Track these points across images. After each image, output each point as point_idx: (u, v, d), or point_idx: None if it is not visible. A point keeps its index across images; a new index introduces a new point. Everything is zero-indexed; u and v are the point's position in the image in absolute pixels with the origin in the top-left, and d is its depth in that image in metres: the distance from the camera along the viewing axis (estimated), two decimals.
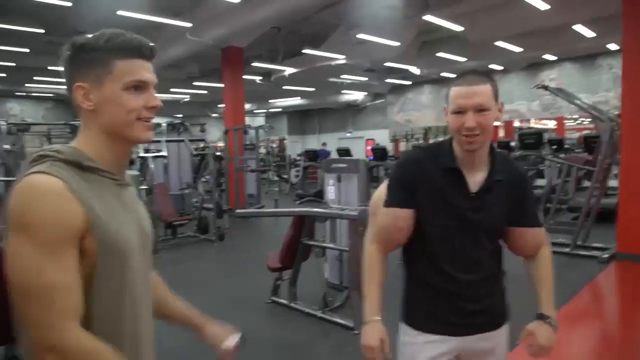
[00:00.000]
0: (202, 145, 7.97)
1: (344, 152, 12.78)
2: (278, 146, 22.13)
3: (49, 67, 11.93)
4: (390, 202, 1.41)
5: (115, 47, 0.94)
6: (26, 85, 15.03)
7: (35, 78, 13.86)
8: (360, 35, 9.47)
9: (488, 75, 1.31)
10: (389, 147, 16.38)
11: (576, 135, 18.69)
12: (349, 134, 20.67)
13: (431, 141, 21.08)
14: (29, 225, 0.83)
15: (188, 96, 18.13)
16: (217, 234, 7.29)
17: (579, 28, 9.53)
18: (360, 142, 19.56)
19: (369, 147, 18.01)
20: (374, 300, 1.39)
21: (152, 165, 6.90)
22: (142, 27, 8.89)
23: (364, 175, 4.49)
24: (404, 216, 1.38)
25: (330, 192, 4.67)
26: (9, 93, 16.37)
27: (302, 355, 3.38)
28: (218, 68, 11.44)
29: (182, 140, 7.91)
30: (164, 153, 7.01)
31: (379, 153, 11.18)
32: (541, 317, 1.40)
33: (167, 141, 7.80)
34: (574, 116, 20.31)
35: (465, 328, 1.42)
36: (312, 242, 4.08)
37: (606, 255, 5.15)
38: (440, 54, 11.55)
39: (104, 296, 0.93)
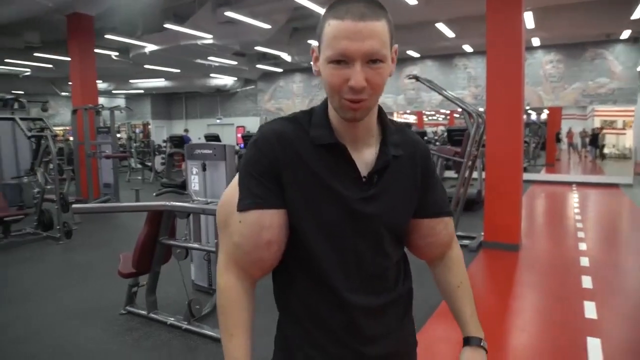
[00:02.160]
0: (39, 126, 6.64)
1: (213, 138, 12.04)
2: (142, 131, 20.33)
3: None
4: (246, 203, 0.89)
5: None
6: None
7: None
8: (229, 13, 8.84)
9: (381, 5, 0.84)
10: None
11: (432, 129, 20.38)
12: (218, 120, 19.75)
13: None
14: None
15: (29, 70, 15.58)
16: (62, 231, 6.18)
17: (441, 27, 10.07)
18: (230, 129, 18.83)
19: (240, 135, 17.46)
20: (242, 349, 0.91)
21: None
22: None
23: (232, 163, 4.00)
24: (270, 221, 0.88)
25: (194, 182, 4.10)
26: None
27: None
28: (64, 39, 9.87)
29: (12, 119, 6.53)
30: None
31: (248, 141, 10.72)
32: (471, 341, 1.06)
33: None
34: (431, 112, 22.12)
35: None
36: (171, 242, 3.47)
37: (475, 245, 5.37)
38: (311, 42, 11.39)
39: None
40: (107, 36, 10.46)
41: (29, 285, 4.56)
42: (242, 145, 16.40)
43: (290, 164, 0.89)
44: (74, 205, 3.15)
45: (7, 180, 7.42)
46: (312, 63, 0.91)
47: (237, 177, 0.94)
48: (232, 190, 0.94)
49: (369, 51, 0.81)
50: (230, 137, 17.75)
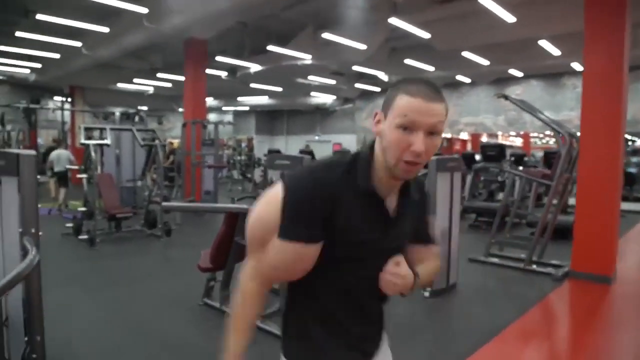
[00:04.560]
0: (152, 136, 7.49)
1: (307, 153, 12.52)
2: (247, 145, 21.71)
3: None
4: (293, 235, 1.02)
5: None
6: None
7: None
8: (327, 35, 9.26)
9: (440, 90, 1.03)
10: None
11: (542, 153, 19.08)
12: (317, 137, 20.45)
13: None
14: None
15: (152, 88, 17.52)
16: (163, 229, 6.90)
17: (544, 44, 9.60)
18: (327, 145, 19.38)
19: (334, 151, 17.88)
20: (237, 352, 1.10)
21: (93, 154, 6.43)
22: (96, 9, 8.45)
23: None
24: (309, 254, 1.04)
25: None
26: None
27: None
28: (182, 61, 11.04)
29: (130, 130, 7.44)
30: (107, 141, 6.55)
31: None
32: None
33: (113, 129, 7.31)
34: (539, 134, 20.79)
35: None
36: (245, 242, 3.76)
37: (560, 273, 5.03)
38: (409, 61, 11.46)
39: None
40: (217, 58, 11.49)
41: (131, 273, 5.22)
42: None
43: (337, 207, 1.02)
44: (163, 203, 3.58)
45: (124, 184, 8.41)
46: (373, 124, 1.07)
47: (274, 196, 1.04)
48: (268, 208, 1.04)
49: (432, 125, 0.99)
50: (325, 153, 18.26)
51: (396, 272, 1.10)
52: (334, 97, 18.61)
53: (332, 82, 14.73)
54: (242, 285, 1.12)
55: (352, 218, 1.05)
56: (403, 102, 0.99)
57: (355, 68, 13.11)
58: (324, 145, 19.53)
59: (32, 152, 2.86)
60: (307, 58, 11.09)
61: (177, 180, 10.41)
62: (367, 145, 1.11)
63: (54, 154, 9.68)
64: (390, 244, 1.13)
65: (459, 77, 14.14)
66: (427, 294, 4.42)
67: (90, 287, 4.68)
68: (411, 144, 0.98)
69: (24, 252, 2.58)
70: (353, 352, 1.18)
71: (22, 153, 2.75)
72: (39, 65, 13.71)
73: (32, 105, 12.74)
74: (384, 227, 1.10)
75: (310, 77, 14.21)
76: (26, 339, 2.67)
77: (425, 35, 8.90)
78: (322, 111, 19.90)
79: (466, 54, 10.66)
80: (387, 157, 1.02)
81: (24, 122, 14.36)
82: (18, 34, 9.73)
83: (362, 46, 9.80)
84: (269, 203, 1.05)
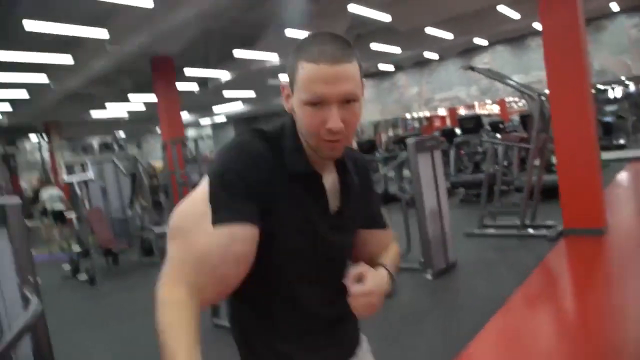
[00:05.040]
0: (133, 162, 7.46)
1: None
2: None
3: None
4: (222, 216, 0.84)
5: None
6: None
7: None
8: (290, 32, 9.26)
9: (349, 43, 0.87)
10: None
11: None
12: None
13: (382, 137, 21.08)
14: None
15: (126, 114, 17.37)
16: (160, 256, 6.89)
17: (503, 9, 9.70)
18: None
19: None
20: None
21: (78, 190, 6.40)
22: (55, 39, 8.34)
23: None
24: (244, 236, 0.84)
25: None
26: None
27: None
28: (150, 79, 10.97)
29: (112, 161, 7.41)
30: (90, 176, 6.52)
31: None
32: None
33: (93, 163, 7.28)
34: (514, 99, 21.02)
35: None
36: None
37: (554, 233, 5.13)
38: (374, 46, 11.49)
39: None
40: (186, 71, 11.43)
41: (135, 307, 5.17)
42: None
43: (267, 186, 0.89)
44: (154, 229, 3.58)
45: (114, 215, 8.36)
46: (283, 100, 0.93)
47: (200, 189, 0.89)
48: (193, 201, 0.89)
49: (345, 93, 0.84)
50: None
51: (363, 291, 0.92)
52: None
53: None
54: (162, 295, 0.86)
55: (288, 199, 0.91)
56: (305, 72, 0.85)
57: None
58: None
59: (17, 199, 2.86)
60: (274, 59, 11.08)
61: (166, 203, 10.37)
62: (290, 120, 0.96)
63: (45, 194, 9.61)
64: (340, 237, 0.99)
65: (427, 55, 14.22)
66: (429, 276, 4.50)
67: (96, 326, 4.67)
68: (325, 121, 0.85)
69: (25, 302, 2.59)
70: None
71: (7, 203, 2.74)
72: (9, 107, 13.52)
73: (7, 151, 12.59)
74: (326, 214, 0.97)
75: (282, 78, 14.20)
76: None
77: (386, 17, 8.94)
78: None
79: (429, 30, 10.72)
80: (306, 138, 0.91)
81: (2, 167, 14.21)
82: None
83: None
84: (192, 196, 0.90)
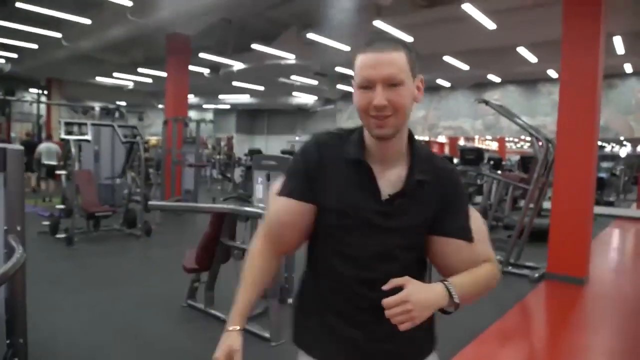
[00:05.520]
0: (133, 133, 7.39)
1: (289, 153, 12.52)
2: (226, 144, 21.57)
3: None
4: (281, 190, 1.12)
5: None
6: None
7: None
8: (311, 35, 9.30)
9: (402, 42, 1.03)
10: None
11: (517, 157, 19.57)
12: (297, 138, 20.46)
13: None
14: None
15: (131, 83, 17.26)
16: (143, 229, 6.83)
17: (522, 51, 9.84)
18: None
19: None
20: (239, 305, 1.10)
21: (73, 149, 6.33)
22: (80, 2, 8.31)
23: None
24: (291, 209, 1.09)
25: (258, 190, 4.40)
26: None
27: None
28: (164, 56, 10.92)
29: (111, 126, 7.35)
30: (87, 137, 6.45)
31: None
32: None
33: (93, 124, 7.20)
34: (514, 139, 21.25)
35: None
36: (230, 243, 3.78)
37: (537, 275, 5.17)
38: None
39: None
40: (201, 55, 11.40)
41: (112, 274, 5.13)
42: None
43: (323, 171, 1.08)
44: (150, 202, 3.57)
45: (102, 181, 8.27)
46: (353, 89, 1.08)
47: None
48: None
49: (388, 76, 0.98)
50: None
51: (395, 299, 0.95)
52: (316, 97, 18.66)
53: (315, 82, 14.78)
54: (251, 245, 1.17)
55: (337, 184, 1.07)
56: (357, 62, 1.02)
57: (338, 69, 13.18)
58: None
59: (20, 146, 2.81)
60: (290, 58, 11.11)
61: (156, 179, 10.30)
62: None
63: (42, 147, 9.49)
64: (388, 223, 1.06)
65: (439, 81, 14.36)
66: None
67: (70, 287, 4.60)
68: (372, 100, 0.99)
69: (8, 251, 2.54)
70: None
71: (9, 147, 2.70)
72: (15, 55, 13.37)
73: (7, 97, 12.45)
74: (375, 201, 1.05)
75: (293, 77, 14.23)
76: (8, 342, 2.62)
77: (408, 38, 9.02)
78: (303, 112, 19.94)
79: (447, 58, 10.83)
80: (361, 120, 1.06)
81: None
82: None
83: (346, 47, 9.88)
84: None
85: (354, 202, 1.06)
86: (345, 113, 18.21)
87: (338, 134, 1.14)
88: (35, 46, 11.67)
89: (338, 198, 1.07)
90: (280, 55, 10.88)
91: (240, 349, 1.07)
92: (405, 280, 0.98)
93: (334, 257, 1.10)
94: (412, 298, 0.95)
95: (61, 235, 6.33)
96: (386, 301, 0.95)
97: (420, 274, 1.14)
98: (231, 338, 1.07)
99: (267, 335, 3.39)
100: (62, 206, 6.53)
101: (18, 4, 8.25)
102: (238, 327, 1.09)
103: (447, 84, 14.79)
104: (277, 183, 1.16)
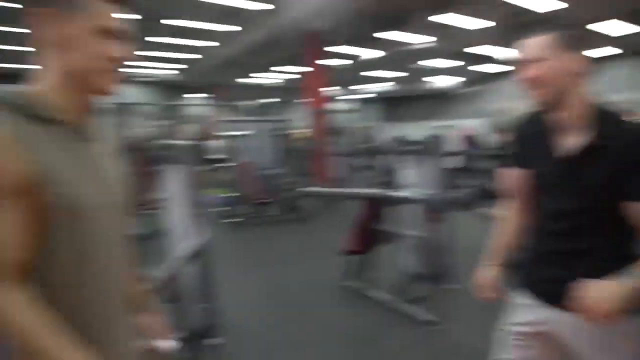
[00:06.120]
0: (287, 126, 7.98)
1: (433, 139, 12.25)
2: (371, 132, 21.90)
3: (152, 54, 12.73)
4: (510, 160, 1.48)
5: None
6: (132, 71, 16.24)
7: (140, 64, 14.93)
8: (448, 16, 8.90)
9: (553, 26, 1.26)
10: (487, 137, 15.50)
11: None
12: (439, 123, 19.81)
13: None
14: None
15: (278, 81, 18.45)
16: (300, 214, 7.35)
17: None
18: (450, 131, 18.63)
19: (462, 136, 17.24)
20: (496, 248, 1.51)
21: (237, 144, 7.05)
22: (222, 11, 9.12)
23: (440, 160, 4.20)
24: (510, 174, 1.46)
25: (406, 176, 4.41)
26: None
27: (369, 345, 3.20)
28: (300, 53, 11.45)
29: (268, 121, 8.01)
30: (248, 132, 7.14)
31: (473, 142, 10.62)
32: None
33: (252, 121, 7.93)
34: None
35: (552, 296, 1.32)
36: (384, 227, 3.87)
37: None
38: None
39: (64, 262, 0.84)
40: (335, 48, 11.69)
41: (273, 255, 5.66)
42: (464, 147, 16.13)
43: (526, 140, 1.42)
44: (302, 188, 3.84)
45: (262, 171, 9.03)
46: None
47: None
48: None
49: (528, 55, 1.28)
50: (451, 139, 17.55)
51: (588, 296, 1.11)
52: (459, 79, 17.89)
53: (457, 63, 14.16)
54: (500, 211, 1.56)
55: (532, 152, 1.37)
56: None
57: (479, 49, 12.43)
58: (448, 130, 18.81)
59: (197, 143, 3.27)
60: (428, 41, 10.82)
61: (309, 168, 10.91)
62: None
63: (213, 143, 10.79)
64: (566, 183, 1.28)
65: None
66: None
67: (239, 267, 5.17)
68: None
69: (197, 231, 2.96)
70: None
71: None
72: (185, 66, 15.27)
73: (177, 103, 14.31)
74: (553, 161, 1.29)
75: (432, 61, 13.83)
76: (203, 305, 3.04)
77: (560, 5, 8.19)
78: (444, 95, 19.26)
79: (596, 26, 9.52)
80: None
81: (174, 117, 16.19)
82: (163, 39, 10.94)
83: (490, 23, 9.28)
84: None
85: (539, 165, 1.36)
86: (493, 94, 17.13)
87: (528, 113, 1.45)
88: (199, 56, 13.20)
89: (531, 163, 1.38)
90: (416, 39, 10.65)
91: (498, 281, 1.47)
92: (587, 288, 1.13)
93: (539, 215, 1.40)
94: (596, 294, 1.11)
95: (230, 220, 7.12)
96: (585, 302, 1.12)
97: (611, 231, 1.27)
98: (488, 269, 1.49)
99: (428, 318, 3.42)
100: (231, 194, 7.33)
101: (180, 22, 9.42)
102: (493, 264, 1.50)
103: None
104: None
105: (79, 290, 0.86)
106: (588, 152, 1.21)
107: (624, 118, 1.25)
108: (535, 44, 1.24)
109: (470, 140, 14.49)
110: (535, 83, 1.25)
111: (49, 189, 0.81)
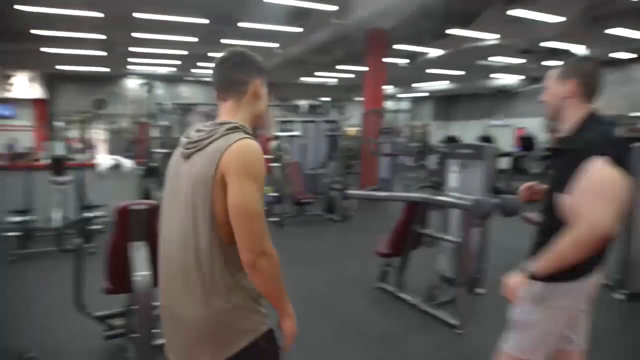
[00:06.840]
0: (335, 126, 8.03)
1: (486, 140, 11.91)
2: (422, 132, 21.54)
3: (210, 54, 13.16)
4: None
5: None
6: (191, 70, 16.86)
7: (198, 64, 15.47)
8: (516, 11, 8.55)
9: (565, 65, 1.77)
10: (544, 136, 14.83)
11: None
12: (497, 122, 19.15)
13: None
14: (257, 174, 1.28)
15: (333, 80, 18.55)
16: (341, 214, 7.41)
17: None
18: (509, 130, 17.98)
19: (519, 136, 16.61)
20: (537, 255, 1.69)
21: (285, 144, 7.20)
22: (288, 12, 9.30)
23: (490, 164, 4.08)
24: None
25: (452, 179, 4.35)
26: (179, 78, 18.59)
27: (399, 347, 3.23)
28: (362, 51, 11.42)
29: (315, 121, 8.11)
30: (297, 133, 7.28)
31: (527, 143, 10.18)
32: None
33: (301, 121, 8.06)
34: None
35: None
36: (422, 231, 3.86)
37: None
38: (613, 31, 9.90)
39: None
40: (398, 46, 11.59)
41: (312, 253, 5.77)
42: (519, 148, 15.53)
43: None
44: (347, 191, 3.91)
45: (308, 171, 9.18)
46: None
47: (602, 164, 1.59)
48: (607, 173, 1.57)
49: (544, 83, 1.84)
50: (507, 139, 16.96)
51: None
52: (519, 77, 17.18)
53: (519, 61, 13.60)
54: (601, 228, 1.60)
55: None
56: None
57: (547, 44, 11.88)
58: (505, 130, 18.16)
59: (493, 144, 3.48)
60: (491, 38, 10.48)
61: (355, 168, 10.94)
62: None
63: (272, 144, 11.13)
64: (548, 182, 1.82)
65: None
66: (621, 296, 3.94)
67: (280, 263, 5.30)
68: None
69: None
70: None
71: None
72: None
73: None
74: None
75: (493, 58, 13.38)
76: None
77: None
78: (503, 94, 18.55)
79: None
80: None
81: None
82: (223, 41, 11.30)
83: (560, 18, 8.84)
84: (604, 171, 1.58)
85: None
86: None
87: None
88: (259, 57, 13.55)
89: None
90: (480, 37, 10.34)
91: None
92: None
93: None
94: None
95: (274, 219, 7.30)
96: None
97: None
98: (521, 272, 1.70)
99: (453, 322, 3.40)
100: (275, 193, 7.51)
101: (241, 24, 9.71)
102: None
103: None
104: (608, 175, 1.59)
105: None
106: (554, 154, 1.79)
107: (608, 129, 1.77)
108: (548, 76, 1.79)
109: (525, 141, 13.94)
110: (544, 104, 1.80)
111: None
